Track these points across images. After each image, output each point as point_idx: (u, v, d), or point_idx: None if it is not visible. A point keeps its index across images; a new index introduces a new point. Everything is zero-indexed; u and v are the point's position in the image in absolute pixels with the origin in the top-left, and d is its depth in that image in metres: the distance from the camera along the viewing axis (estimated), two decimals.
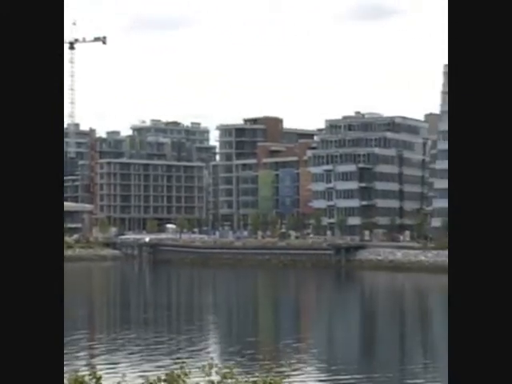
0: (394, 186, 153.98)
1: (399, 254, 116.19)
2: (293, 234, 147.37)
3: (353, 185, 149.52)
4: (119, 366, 38.25)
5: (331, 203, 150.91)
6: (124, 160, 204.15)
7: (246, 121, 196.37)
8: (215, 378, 11.73)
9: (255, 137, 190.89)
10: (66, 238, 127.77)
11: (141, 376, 27.13)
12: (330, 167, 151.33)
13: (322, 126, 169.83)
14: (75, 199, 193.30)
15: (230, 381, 11.78)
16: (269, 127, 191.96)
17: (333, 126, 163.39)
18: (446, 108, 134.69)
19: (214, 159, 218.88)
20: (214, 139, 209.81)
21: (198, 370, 11.94)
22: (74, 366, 32.01)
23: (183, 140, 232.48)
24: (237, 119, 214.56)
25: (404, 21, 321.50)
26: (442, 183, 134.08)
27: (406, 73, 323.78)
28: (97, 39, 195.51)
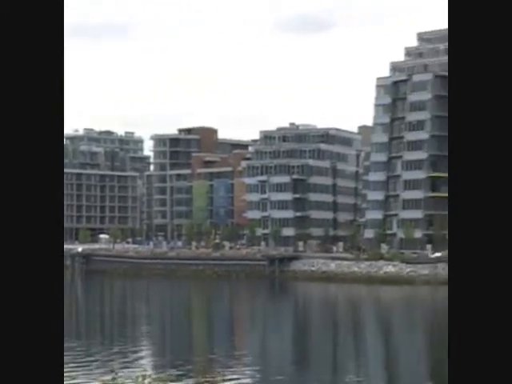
0: (327, 198, 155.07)
1: (333, 265, 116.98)
2: (227, 244, 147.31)
3: (287, 196, 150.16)
4: None
5: (265, 214, 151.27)
6: None
7: (180, 131, 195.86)
8: None
9: (190, 147, 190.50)
10: None
11: None
12: (264, 178, 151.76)
13: (257, 136, 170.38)
14: None
15: None
16: (203, 137, 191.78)
17: (267, 136, 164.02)
18: (379, 120, 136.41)
19: (148, 169, 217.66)
20: (148, 149, 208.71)
21: (130, 381, 11.79)
22: None
23: (117, 149, 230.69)
24: (171, 129, 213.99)
25: (340, 34, 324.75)
26: (375, 195, 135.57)
27: (340, 85, 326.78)
28: None
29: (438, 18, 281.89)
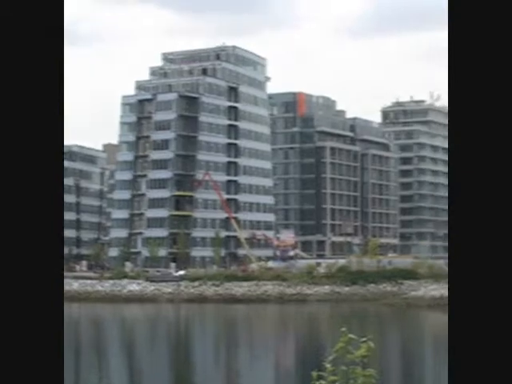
0: (71, 216, 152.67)
1: (76, 285, 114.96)
2: None
3: None
4: None
5: None
6: None
7: None
8: None
9: None
10: None
11: None
12: None
13: None
14: None
15: None
16: None
17: None
18: (124, 138, 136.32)
19: None
20: None
21: None
22: None
23: None
24: None
25: (86, 50, 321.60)
26: (119, 213, 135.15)
27: (84, 102, 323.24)
28: None
29: (181, 40, 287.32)
